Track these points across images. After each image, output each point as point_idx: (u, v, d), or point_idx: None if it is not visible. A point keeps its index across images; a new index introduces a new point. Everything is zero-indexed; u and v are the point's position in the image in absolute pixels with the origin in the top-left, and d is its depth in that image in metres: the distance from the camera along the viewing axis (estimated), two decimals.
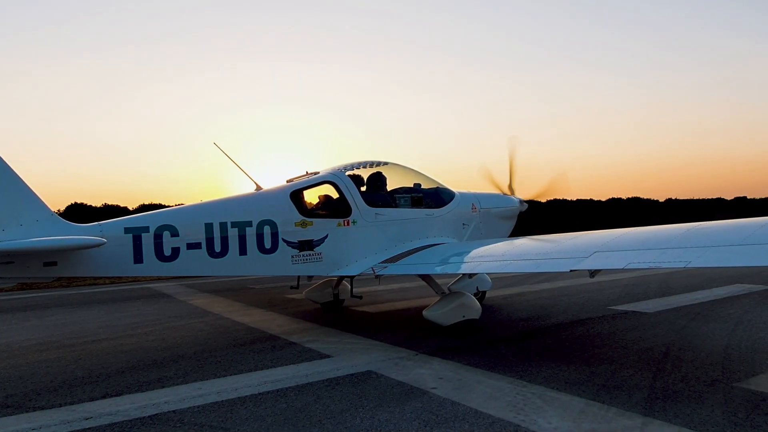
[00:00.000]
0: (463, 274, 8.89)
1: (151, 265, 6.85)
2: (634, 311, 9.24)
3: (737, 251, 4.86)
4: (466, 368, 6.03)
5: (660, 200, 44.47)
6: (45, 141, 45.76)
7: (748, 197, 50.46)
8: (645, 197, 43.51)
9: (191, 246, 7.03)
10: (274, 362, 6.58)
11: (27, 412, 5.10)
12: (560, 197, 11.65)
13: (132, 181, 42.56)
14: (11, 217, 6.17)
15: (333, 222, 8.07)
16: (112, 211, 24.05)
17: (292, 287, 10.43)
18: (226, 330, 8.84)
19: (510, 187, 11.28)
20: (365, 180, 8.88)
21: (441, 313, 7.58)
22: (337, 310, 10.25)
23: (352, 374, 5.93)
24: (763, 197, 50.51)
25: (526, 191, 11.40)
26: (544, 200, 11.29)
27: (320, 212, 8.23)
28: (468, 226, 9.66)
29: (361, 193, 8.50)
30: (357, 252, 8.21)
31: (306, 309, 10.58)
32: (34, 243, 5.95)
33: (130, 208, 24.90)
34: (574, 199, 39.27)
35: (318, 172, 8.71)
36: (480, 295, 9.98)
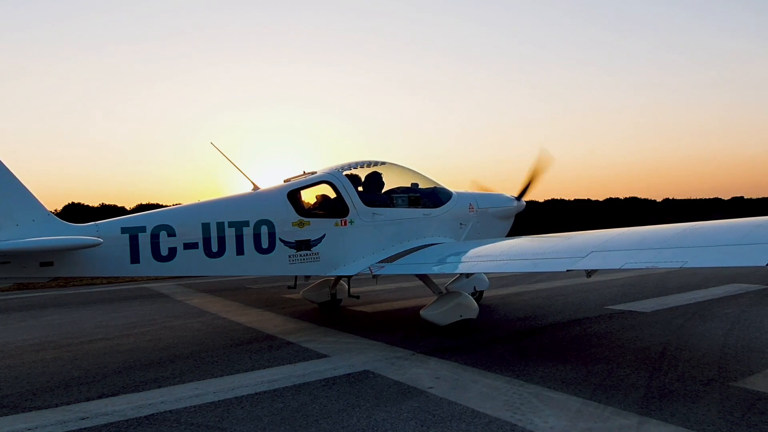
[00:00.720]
0: (461, 274, 8.89)
1: (148, 265, 6.84)
2: (630, 311, 9.26)
3: (734, 251, 4.88)
4: (463, 368, 6.03)
5: (657, 200, 44.48)
6: (42, 141, 45.67)
7: (745, 197, 50.54)
8: (642, 197, 43.52)
9: (188, 246, 7.02)
10: (271, 362, 6.57)
11: (23, 412, 5.09)
12: (545, 178, 11.06)
13: (129, 180, 42.48)
14: (7, 217, 6.16)
15: (330, 222, 8.07)
16: (109, 211, 23.97)
17: (289, 287, 10.42)
18: (223, 330, 8.83)
19: (522, 192, 11.09)
20: (362, 180, 8.87)
21: (438, 313, 7.58)
22: (334, 310, 10.25)
23: (349, 374, 5.93)
24: (760, 197, 50.60)
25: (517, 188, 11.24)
26: (532, 185, 10.82)
27: (317, 212, 8.22)
28: (465, 225, 9.66)
29: (359, 192, 8.50)
30: (354, 252, 8.20)
31: (303, 309, 10.58)
32: (29, 243, 5.93)
33: (128, 208, 24.84)
34: (572, 199, 39.31)
35: (315, 172, 8.70)
36: (477, 295, 9.98)
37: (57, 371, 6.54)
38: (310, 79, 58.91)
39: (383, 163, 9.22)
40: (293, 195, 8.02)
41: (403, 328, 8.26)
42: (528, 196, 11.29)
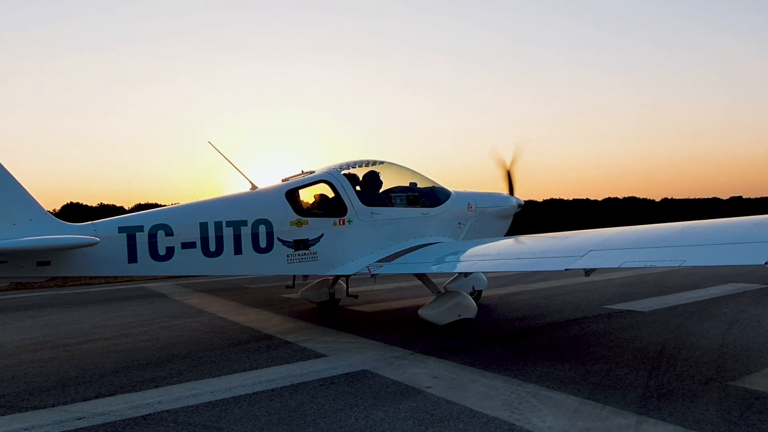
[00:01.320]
0: (459, 273, 8.88)
1: (145, 265, 6.82)
2: (629, 310, 9.26)
3: (732, 250, 4.87)
4: (461, 367, 6.02)
5: (656, 200, 44.51)
6: (40, 140, 45.52)
7: (744, 197, 50.56)
8: (641, 197, 43.53)
9: (186, 245, 7.01)
10: (268, 362, 6.56)
11: (20, 412, 5.07)
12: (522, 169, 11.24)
13: (128, 180, 42.36)
14: (4, 217, 6.14)
15: (328, 221, 8.06)
16: (107, 210, 23.90)
17: (287, 287, 10.41)
18: (221, 330, 8.81)
19: (509, 189, 11.20)
20: (361, 179, 8.86)
21: (437, 313, 7.57)
22: (332, 310, 10.24)
23: (347, 373, 5.92)
24: (759, 197, 50.63)
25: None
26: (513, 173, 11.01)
27: (316, 211, 8.21)
28: (464, 225, 9.65)
29: (357, 192, 8.48)
30: (352, 251, 8.19)
31: (302, 308, 10.56)
32: (26, 242, 5.91)
33: (126, 208, 24.79)
34: (571, 199, 39.32)
35: (313, 171, 8.70)
36: (476, 295, 9.98)
37: (54, 371, 6.52)
38: (310, 79, 58.81)
39: (381, 163, 9.21)
40: (291, 194, 8.01)
41: (402, 328, 8.25)
42: (519, 193, 11.34)
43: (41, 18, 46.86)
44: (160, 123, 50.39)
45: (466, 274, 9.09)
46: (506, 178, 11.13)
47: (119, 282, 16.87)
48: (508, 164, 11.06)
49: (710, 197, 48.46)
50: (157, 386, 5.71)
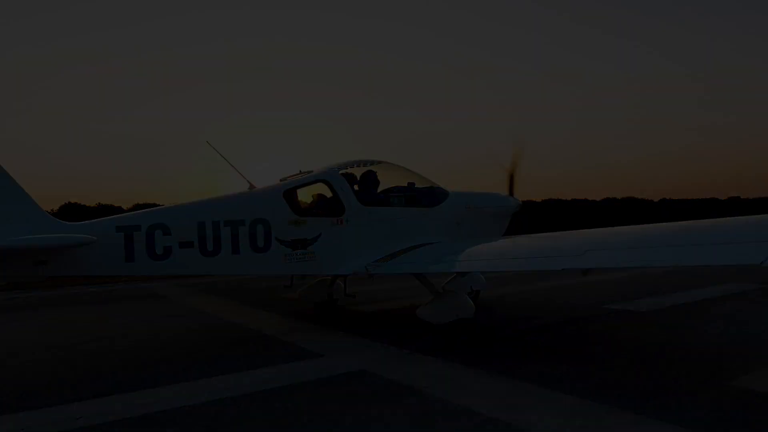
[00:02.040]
0: (457, 273, 8.87)
1: (143, 264, 6.79)
2: (627, 310, 9.26)
3: (728, 249, 4.88)
4: (458, 367, 6.02)
5: (654, 200, 44.57)
6: (39, 139, 45.47)
7: (742, 197, 50.60)
8: (640, 197, 43.59)
9: (184, 245, 6.98)
10: (266, 361, 6.55)
11: (16, 412, 5.05)
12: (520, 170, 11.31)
13: (127, 180, 42.34)
14: (2, 216, 6.11)
15: (326, 221, 8.04)
16: (106, 210, 23.85)
17: (285, 286, 10.39)
18: (218, 329, 8.80)
19: (510, 189, 11.19)
20: (359, 179, 8.85)
21: (435, 312, 7.55)
22: (330, 310, 10.22)
23: (344, 373, 5.92)
24: (757, 197, 50.67)
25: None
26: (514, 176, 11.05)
27: (314, 211, 8.20)
28: (462, 225, 9.63)
29: (355, 192, 8.47)
30: (350, 251, 8.17)
31: (299, 308, 10.54)
32: (22, 242, 5.89)
33: (125, 208, 24.74)
34: (569, 199, 39.37)
35: (311, 171, 8.68)
36: (474, 294, 9.95)
37: (50, 371, 6.51)
38: (310, 79, 58.88)
39: (379, 163, 9.20)
40: (289, 194, 7.99)
41: (400, 328, 8.25)
42: (518, 193, 11.32)
43: (41, 17, 46.84)
44: (159, 123, 50.40)
45: (464, 274, 9.08)
46: (508, 179, 11.10)
47: (116, 282, 16.83)
48: (510, 165, 11.01)
49: (709, 197, 48.54)
50: (154, 386, 5.69)
